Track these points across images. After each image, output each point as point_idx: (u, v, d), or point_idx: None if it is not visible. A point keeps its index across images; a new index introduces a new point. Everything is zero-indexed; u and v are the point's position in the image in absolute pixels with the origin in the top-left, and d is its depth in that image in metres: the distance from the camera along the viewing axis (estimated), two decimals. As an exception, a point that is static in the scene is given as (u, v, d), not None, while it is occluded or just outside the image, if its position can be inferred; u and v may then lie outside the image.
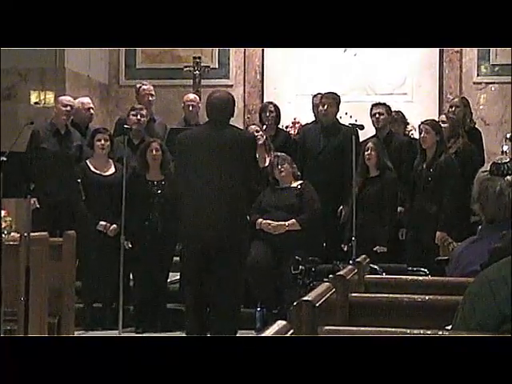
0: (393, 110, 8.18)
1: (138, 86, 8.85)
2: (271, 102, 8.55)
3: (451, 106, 8.13)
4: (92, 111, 8.40)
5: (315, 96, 8.40)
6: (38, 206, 7.31)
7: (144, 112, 8.03)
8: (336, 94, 8.04)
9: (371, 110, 7.93)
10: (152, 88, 8.74)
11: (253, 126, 7.84)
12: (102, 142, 7.41)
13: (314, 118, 8.41)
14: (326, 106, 7.85)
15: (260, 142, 7.31)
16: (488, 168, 3.48)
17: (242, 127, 9.31)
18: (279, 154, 7.42)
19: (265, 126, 8.03)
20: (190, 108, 8.67)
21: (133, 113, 7.98)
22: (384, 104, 8.00)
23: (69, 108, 7.97)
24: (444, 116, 8.01)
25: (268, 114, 8.24)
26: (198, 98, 8.90)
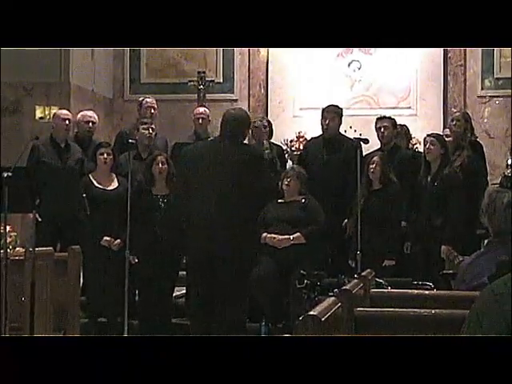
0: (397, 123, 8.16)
1: (140, 99, 8.85)
2: (264, 117, 8.53)
3: (452, 120, 8.11)
4: (92, 124, 8.30)
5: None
6: (39, 219, 7.24)
7: (153, 126, 8.01)
8: (338, 106, 8.02)
9: (376, 123, 7.89)
10: (154, 101, 8.74)
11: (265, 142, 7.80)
12: (105, 156, 7.38)
13: (320, 132, 8.38)
14: (327, 120, 7.85)
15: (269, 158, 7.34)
16: (499, 181, 3.50)
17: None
18: (295, 166, 7.33)
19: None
20: (200, 121, 8.65)
21: (143, 127, 7.91)
22: (389, 117, 7.97)
23: (67, 122, 7.94)
24: (448, 130, 8.01)
25: (262, 130, 8.22)
26: (207, 111, 8.86)
